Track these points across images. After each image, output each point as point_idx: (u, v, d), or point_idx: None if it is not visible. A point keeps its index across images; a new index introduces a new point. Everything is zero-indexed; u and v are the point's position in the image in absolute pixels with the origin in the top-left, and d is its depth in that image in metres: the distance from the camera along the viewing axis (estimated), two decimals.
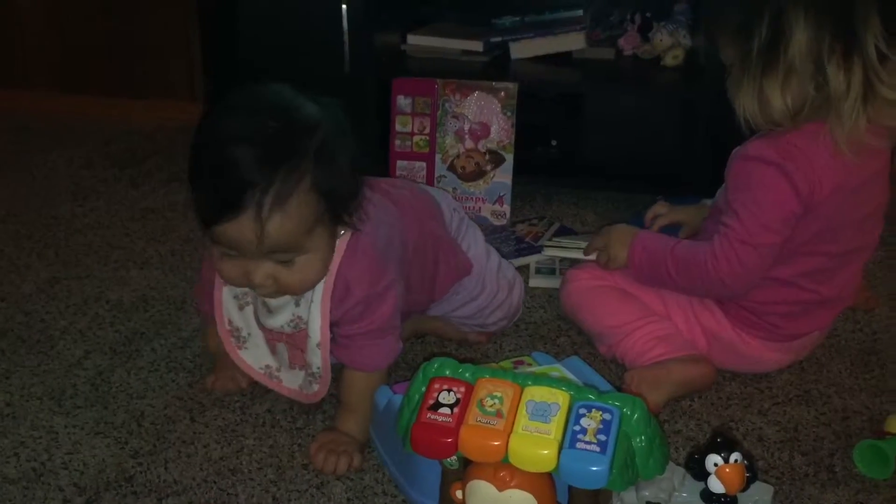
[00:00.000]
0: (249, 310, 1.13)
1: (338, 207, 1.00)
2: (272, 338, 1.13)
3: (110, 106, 2.27)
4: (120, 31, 2.24)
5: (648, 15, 1.94)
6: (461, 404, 0.86)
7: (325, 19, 1.80)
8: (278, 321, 1.10)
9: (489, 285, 1.28)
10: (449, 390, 0.87)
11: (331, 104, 1.01)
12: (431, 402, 0.87)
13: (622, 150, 1.85)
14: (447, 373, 0.89)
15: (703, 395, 1.23)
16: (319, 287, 1.05)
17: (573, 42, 1.90)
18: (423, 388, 0.89)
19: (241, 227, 0.95)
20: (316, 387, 1.12)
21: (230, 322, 1.13)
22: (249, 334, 1.14)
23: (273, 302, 1.09)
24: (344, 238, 1.05)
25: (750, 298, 1.21)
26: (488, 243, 1.33)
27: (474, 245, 1.28)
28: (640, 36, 1.93)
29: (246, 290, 1.09)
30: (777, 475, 1.08)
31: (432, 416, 0.85)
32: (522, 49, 1.91)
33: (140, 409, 1.18)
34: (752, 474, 0.89)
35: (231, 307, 1.13)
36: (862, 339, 1.38)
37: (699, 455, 0.90)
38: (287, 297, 1.07)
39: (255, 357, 1.15)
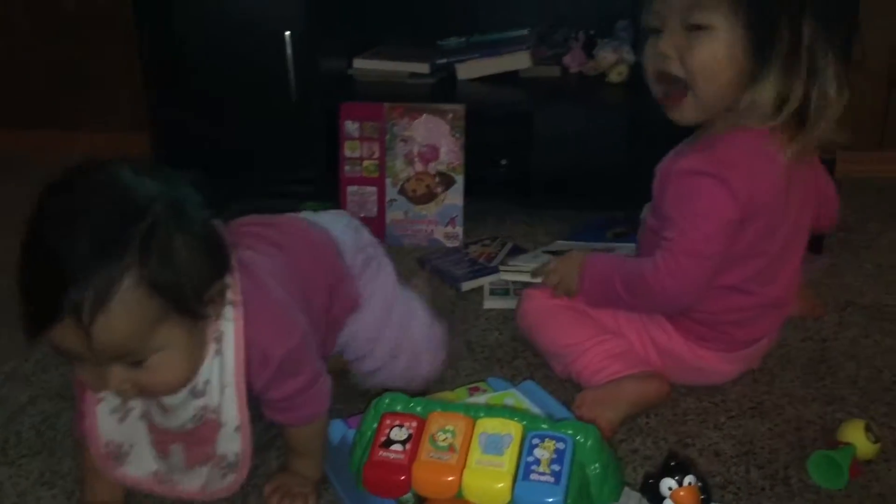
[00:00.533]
0: (135, 414, 1.00)
1: (184, 300, 0.87)
2: (165, 440, 1.00)
3: (54, 139, 2.23)
4: (60, 63, 2.21)
5: (592, 32, 1.96)
6: (413, 440, 0.85)
7: (269, 46, 1.78)
8: (179, 420, 0.98)
9: (387, 338, 1.19)
10: (401, 426, 0.86)
11: (178, 180, 0.89)
12: (383, 438, 0.86)
13: (571, 166, 1.86)
14: (398, 408, 0.88)
15: (659, 411, 1.23)
16: (228, 368, 0.95)
17: (519, 61, 1.91)
18: (375, 425, 0.88)
19: (64, 336, 0.83)
20: (232, 477, 1.00)
21: (108, 443, 1.00)
22: (132, 446, 1.01)
23: (167, 401, 0.96)
24: (237, 309, 0.95)
25: (701, 310, 1.22)
26: (410, 315, 1.22)
27: (377, 290, 1.19)
28: (584, 53, 1.95)
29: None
30: (734, 490, 1.09)
31: (384, 454, 0.84)
32: (469, 70, 1.92)
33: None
34: (706, 496, 0.89)
35: (109, 425, 0.99)
36: (812, 347, 1.39)
37: (653, 479, 0.90)
38: (184, 392, 0.95)
39: (139, 468, 1.01)
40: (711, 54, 1.11)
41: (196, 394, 0.96)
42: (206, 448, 0.99)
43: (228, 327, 0.95)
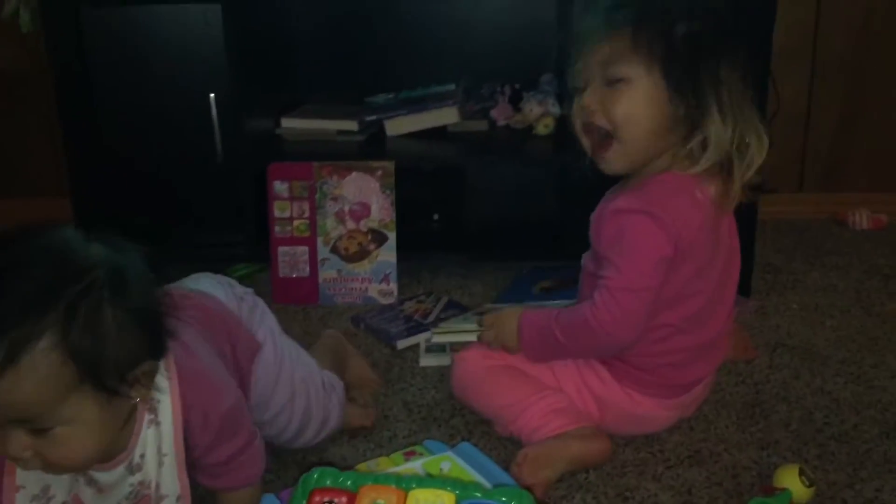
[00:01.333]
0: (60, 495, 0.93)
1: (102, 374, 0.82)
2: None
3: None
4: None
5: (517, 86, 1.99)
6: None
7: (194, 108, 1.76)
8: (114, 499, 0.94)
9: (284, 378, 1.17)
10: (330, 501, 0.83)
11: (129, 250, 0.87)
12: None
13: (503, 219, 1.87)
14: (328, 483, 0.85)
15: (598, 465, 1.23)
16: (167, 437, 0.93)
17: (447, 116, 1.93)
18: (304, 502, 0.85)
19: None
20: None
21: None
22: None
23: (102, 479, 0.92)
24: (171, 378, 0.93)
25: (638, 352, 1.23)
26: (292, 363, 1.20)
27: (268, 331, 1.18)
28: (511, 107, 1.97)
29: (57, 481, 0.92)
30: None
31: None
32: (397, 126, 1.92)
33: None
34: None
35: None
36: (745, 391, 1.41)
37: None
38: (120, 470, 0.92)
39: None
40: (632, 104, 1.14)
41: (133, 469, 0.93)
42: None
43: (164, 397, 0.92)
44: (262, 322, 1.19)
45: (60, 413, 0.82)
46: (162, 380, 0.92)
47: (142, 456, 0.93)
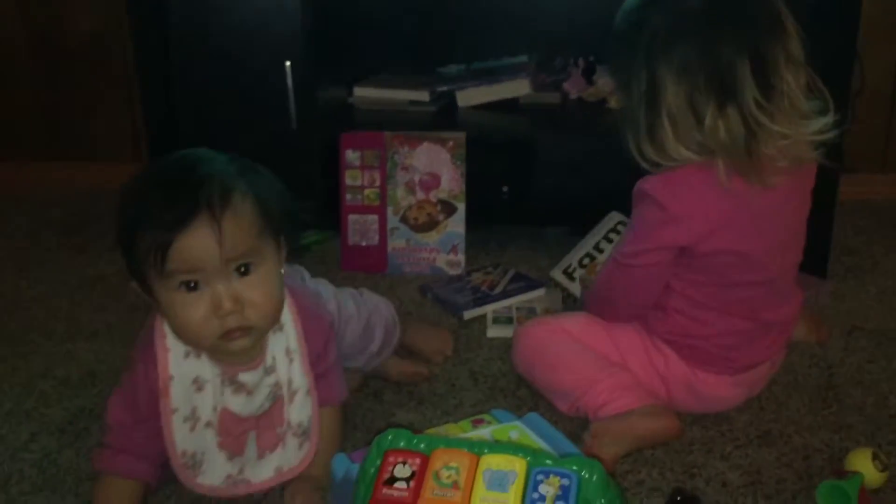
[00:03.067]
0: (202, 423, 1.07)
1: (275, 222, 1.04)
2: (240, 433, 1.09)
3: (51, 171, 2.23)
4: (59, 94, 2.21)
5: (591, 58, 1.96)
6: (417, 477, 0.84)
7: (269, 76, 1.79)
8: (257, 400, 1.09)
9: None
10: (404, 463, 0.85)
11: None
12: (386, 476, 0.84)
13: (573, 192, 1.85)
14: (402, 445, 0.87)
15: (665, 441, 1.22)
16: (292, 337, 1.10)
17: (519, 88, 1.92)
18: (378, 462, 0.87)
19: (198, 233, 0.96)
20: (307, 445, 1.12)
21: (183, 452, 1.07)
22: (203, 454, 1.08)
23: (248, 380, 1.08)
24: (286, 291, 1.09)
25: (695, 333, 1.23)
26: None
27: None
28: (584, 79, 1.95)
29: (201, 401, 1.07)
30: None
31: (388, 492, 0.83)
32: (469, 97, 1.92)
33: (90, 493, 1.13)
34: None
35: (182, 434, 1.07)
36: (818, 374, 1.38)
37: None
38: (259, 371, 1.08)
39: (213, 475, 1.09)
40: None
41: (268, 370, 1.08)
42: (275, 430, 1.10)
43: (284, 308, 1.09)
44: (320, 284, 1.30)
45: (261, 251, 1.02)
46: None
47: (273, 358, 1.09)
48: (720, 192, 1.14)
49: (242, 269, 1.00)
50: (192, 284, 0.99)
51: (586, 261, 1.63)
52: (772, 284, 1.21)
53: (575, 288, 1.61)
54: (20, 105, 2.23)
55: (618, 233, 1.62)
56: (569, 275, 1.64)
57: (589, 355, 1.28)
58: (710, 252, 1.17)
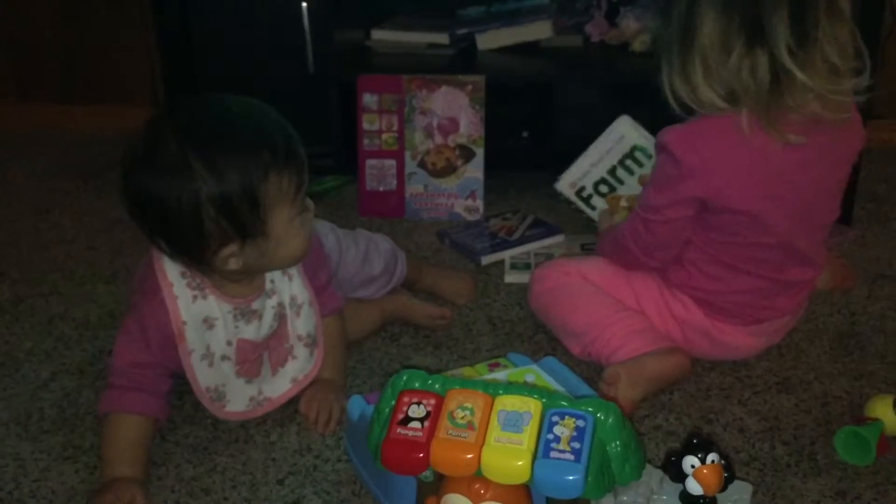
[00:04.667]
0: (217, 358, 1.11)
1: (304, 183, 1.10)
2: (254, 358, 1.14)
3: (69, 114, 2.22)
4: (74, 38, 2.19)
5: (614, 0, 1.91)
6: (431, 417, 0.84)
7: (286, 18, 1.76)
8: (266, 323, 1.14)
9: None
10: (419, 403, 0.85)
11: None
12: (401, 416, 0.85)
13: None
14: (416, 385, 0.87)
15: (683, 387, 1.22)
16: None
17: (540, 31, 1.88)
18: (393, 402, 0.87)
19: (283, 176, 1.03)
20: (316, 352, 1.18)
21: (207, 388, 1.12)
22: (225, 385, 1.13)
23: (257, 306, 1.12)
24: None
25: (711, 289, 1.21)
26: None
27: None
28: (607, 22, 1.91)
29: (213, 338, 1.10)
30: (759, 466, 1.07)
31: (402, 431, 0.83)
32: (489, 40, 1.88)
33: None
34: (729, 474, 0.87)
35: (203, 371, 1.11)
36: (840, 321, 1.37)
37: (676, 457, 0.88)
38: (262, 296, 1.13)
39: (238, 402, 1.14)
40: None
41: (269, 293, 1.13)
42: (283, 346, 1.16)
43: None
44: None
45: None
46: None
47: (272, 282, 1.13)
48: (739, 146, 1.11)
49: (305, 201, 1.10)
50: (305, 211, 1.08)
51: (603, 188, 1.60)
52: (789, 247, 1.18)
53: (592, 214, 1.60)
54: (41, 48, 2.22)
55: (636, 161, 1.59)
56: (583, 198, 1.61)
57: (603, 298, 1.27)
58: (723, 209, 1.15)
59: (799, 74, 1.06)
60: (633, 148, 1.60)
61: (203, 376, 1.11)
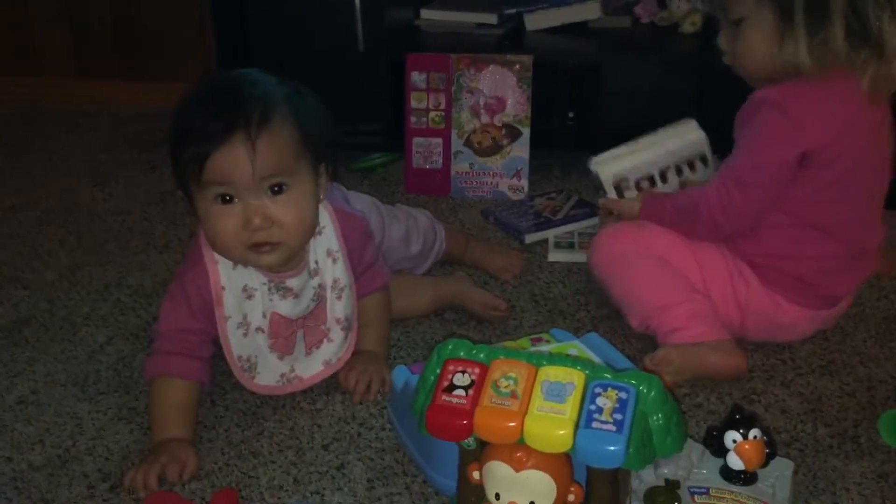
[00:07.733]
0: (253, 328, 1.13)
1: (314, 146, 1.07)
2: (289, 334, 1.15)
3: (125, 89, 2.27)
4: (131, 15, 2.24)
5: None
6: (476, 386, 0.85)
7: None
8: (303, 302, 1.14)
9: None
10: (463, 372, 0.86)
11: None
12: (446, 383, 0.86)
13: (640, 119, 1.80)
14: (461, 354, 0.89)
15: None
16: (333, 240, 1.15)
17: (589, 11, 1.87)
18: (438, 370, 0.88)
19: (233, 150, 1.01)
20: (351, 336, 1.19)
21: (239, 357, 1.13)
22: (257, 357, 1.14)
23: (295, 284, 1.13)
24: (324, 202, 1.14)
25: (791, 255, 1.20)
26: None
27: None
28: (656, 3, 1.89)
29: (251, 308, 1.12)
30: (800, 447, 1.07)
31: (447, 399, 0.85)
32: (537, 20, 1.88)
33: None
34: (771, 450, 0.88)
35: (237, 340, 1.12)
36: (887, 306, 1.35)
37: (718, 431, 0.89)
38: (304, 274, 1.13)
39: (268, 376, 1.16)
40: (747, 42, 1.16)
41: (311, 273, 1.14)
42: (320, 327, 1.17)
43: (322, 211, 1.14)
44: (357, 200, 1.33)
45: (297, 173, 1.06)
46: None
47: (316, 262, 1.14)
48: (840, 98, 1.13)
49: (276, 189, 1.05)
50: (227, 198, 1.04)
51: (645, 184, 1.53)
52: (873, 202, 1.20)
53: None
54: (98, 25, 2.27)
55: (691, 166, 1.51)
56: (619, 189, 1.45)
57: (670, 275, 1.23)
58: (827, 162, 1.14)
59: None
60: (700, 155, 1.54)
61: (237, 344, 1.12)
